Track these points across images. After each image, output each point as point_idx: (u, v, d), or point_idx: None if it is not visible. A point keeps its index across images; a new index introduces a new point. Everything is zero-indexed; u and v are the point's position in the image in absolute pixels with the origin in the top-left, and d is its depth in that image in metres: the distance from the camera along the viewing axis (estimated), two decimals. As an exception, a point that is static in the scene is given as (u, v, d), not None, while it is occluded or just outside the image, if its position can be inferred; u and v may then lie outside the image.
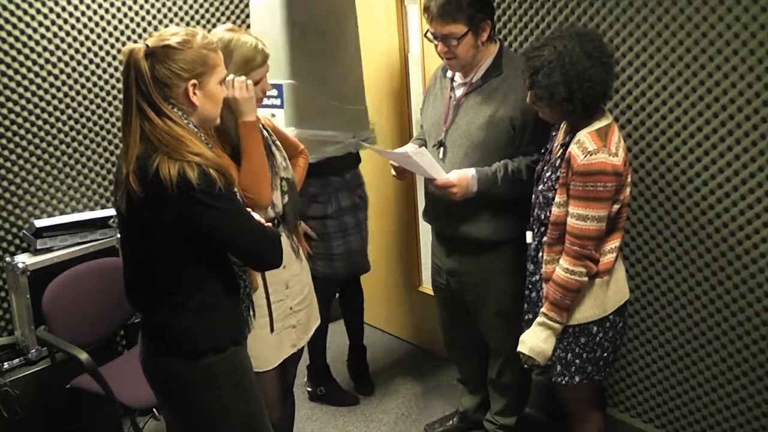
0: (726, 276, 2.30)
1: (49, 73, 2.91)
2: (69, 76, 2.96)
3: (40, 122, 2.91)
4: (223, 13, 3.35)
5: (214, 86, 1.75)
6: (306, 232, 2.76)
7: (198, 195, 1.61)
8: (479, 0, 2.25)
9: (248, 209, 1.81)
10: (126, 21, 3.06)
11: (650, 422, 2.67)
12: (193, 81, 1.69)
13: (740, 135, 2.15)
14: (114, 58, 3.05)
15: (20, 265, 2.75)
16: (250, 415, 1.90)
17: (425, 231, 3.29)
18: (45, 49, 2.88)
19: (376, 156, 3.03)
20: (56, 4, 2.88)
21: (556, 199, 2.04)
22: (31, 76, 2.87)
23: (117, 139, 3.10)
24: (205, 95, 1.73)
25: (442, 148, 2.43)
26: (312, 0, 2.70)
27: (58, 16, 2.89)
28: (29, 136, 2.90)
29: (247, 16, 3.42)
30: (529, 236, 2.21)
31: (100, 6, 2.98)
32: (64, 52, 2.93)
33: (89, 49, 2.99)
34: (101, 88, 3.04)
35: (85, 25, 2.96)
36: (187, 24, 3.22)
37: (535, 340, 2.08)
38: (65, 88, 2.96)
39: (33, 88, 2.88)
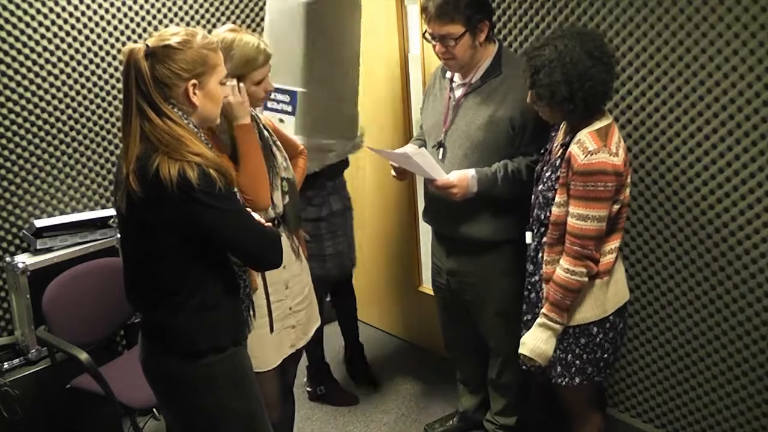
0: (726, 276, 2.30)
1: (49, 73, 2.91)
2: (69, 76, 2.96)
3: (40, 122, 2.91)
4: (228, 17, 3.35)
5: (214, 86, 1.75)
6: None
7: (198, 195, 1.62)
8: (477, 0, 2.25)
9: (248, 209, 1.81)
10: (126, 21, 3.06)
11: (650, 422, 2.67)
12: (193, 81, 1.69)
13: (740, 135, 2.15)
14: (114, 58, 3.05)
15: (20, 265, 2.75)
16: (250, 415, 1.90)
17: (425, 231, 3.29)
18: (45, 49, 2.88)
19: (376, 156, 3.03)
20: (56, 4, 2.88)
21: (557, 199, 2.04)
22: (31, 76, 2.87)
23: (117, 139, 3.10)
24: (205, 95, 1.73)
25: (441, 149, 2.43)
26: (331, 11, 2.67)
27: (58, 16, 2.89)
28: (29, 136, 2.90)
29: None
30: (528, 237, 2.21)
31: (100, 6, 2.98)
32: (64, 52, 2.93)
33: (89, 49, 2.99)
34: (101, 88, 3.04)
35: (85, 25, 2.96)
36: (188, 24, 3.22)
37: (536, 342, 2.08)
38: (65, 88, 2.96)
39: (33, 88, 2.88)
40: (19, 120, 2.86)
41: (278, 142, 2.25)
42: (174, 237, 1.69)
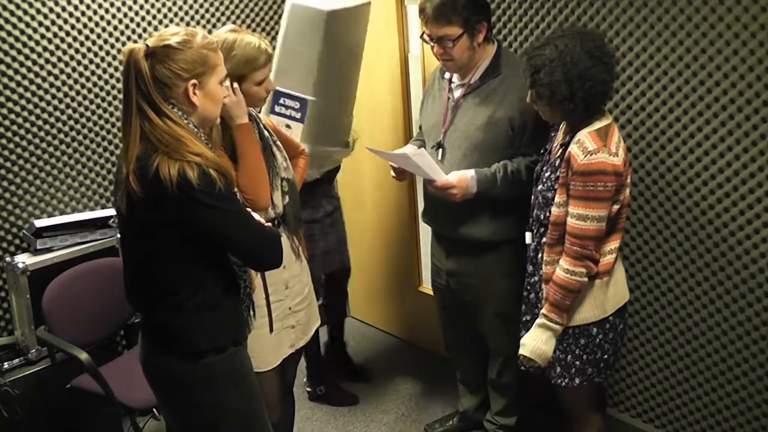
0: (726, 276, 2.30)
1: (49, 73, 2.91)
2: (69, 76, 2.96)
3: (40, 122, 2.91)
4: (228, 17, 3.35)
5: (214, 86, 1.75)
6: None
7: (198, 195, 1.61)
8: (474, 1, 2.24)
9: (248, 209, 1.81)
10: (126, 21, 3.06)
11: (650, 422, 2.67)
12: (193, 81, 1.69)
13: (740, 135, 2.15)
14: (114, 58, 3.04)
15: (20, 265, 2.74)
16: (250, 415, 1.90)
17: (425, 231, 3.29)
18: (45, 49, 2.88)
19: (376, 157, 3.03)
20: (56, 4, 2.87)
21: (556, 199, 2.04)
22: (31, 76, 2.87)
23: (117, 139, 3.10)
24: (205, 95, 1.73)
25: (440, 150, 2.43)
26: (350, 23, 2.67)
27: (58, 16, 2.89)
28: (29, 136, 2.90)
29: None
30: (528, 237, 2.21)
31: (100, 6, 2.98)
32: (64, 52, 2.93)
33: (89, 49, 2.99)
34: (101, 88, 3.04)
35: (85, 25, 2.96)
36: (188, 24, 3.22)
37: (536, 342, 2.07)
38: (65, 88, 2.96)
39: (33, 88, 2.88)
40: (19, 120, 2.86)
41: (278, 142, 2.25)
42: (174, 237, 1.69)
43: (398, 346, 3.72)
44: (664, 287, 2.47)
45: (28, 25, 2.82)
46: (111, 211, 3.00)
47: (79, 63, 2.97)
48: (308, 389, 3.25)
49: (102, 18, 3.00)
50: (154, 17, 3.14)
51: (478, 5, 2.27)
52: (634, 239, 2.50)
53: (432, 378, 3.36)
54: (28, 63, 2.85)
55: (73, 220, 2.91)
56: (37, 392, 2.77)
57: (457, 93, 2.40)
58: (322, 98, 2.64)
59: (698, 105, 2.22)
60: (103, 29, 3.01)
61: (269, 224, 1.91)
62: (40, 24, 2.85)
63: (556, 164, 2.07)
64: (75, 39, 2.95)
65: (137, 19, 3.09)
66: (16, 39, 2.81)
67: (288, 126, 2.64)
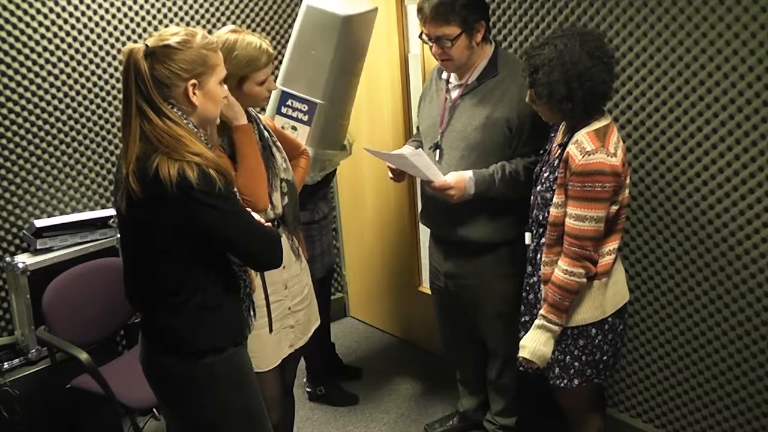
0: (726, 276, 2.29)
1: (49, 73, 2.91)
2: (69, 76, 2.96)
3: (40, 122, 2.91)
4: (228, 17, 3.35)
5: (214, 86, 1.74)
6: None
7: (197, 195, 1.61)
8: (472, 1, 2.24)
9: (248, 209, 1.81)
10: (126, 21, 3.06)
11: (650, 422, 2.67)
12: (193, 81, 1.69)
13: (740, 135, 2.15)
14: (114, 58, 3.05)
15: (20, 265, 2.74)
16: (251, 415, 1.90)
17: (425, 231, 3.28)
18: (45, 49, 2.88)
19: (376, 157, 3.03)
20: (56, 4, 2.88)
21: (554, 200, 2.04)
22: (31, 76, 2.87)
23: (117, 139, 3.10)
24: (205, 95, 1.72)
25: (438, 150, 2.42)
26: (362, 28, 2.68)
27: (58, 16, 2.89)
28: (29, 136, 2.90)
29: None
30: (527, 237, 2.21)
31: (100, 6, 2.98)
32: (64, 52, 2.93)
33: (89, 49, 2.99)
34: (101, 88, 3.04)
35: (85, 25, 2.96)
36: (188, 24, 3.22)
37: (536, 344, 2.07)
38: (65, 88, 2.96)
39: (33, 88, 2.88)
40: (19, 120, 2.86)
41: (278, 143, 2.25)
42: (174, 237, 1.69)
43: (398, 346, 3.72)
44: (664, 287, 2.47)
45: (28, 25, 2.83)
46: (111, 211, 3.00)
47: (79, 63, 2.97)
48: (308, 389, 3.26)
49: (102, 18, 3.00)
50: (154, 17, 3.14)
51: (476, 5, 2.26)
52: (634, 239, 2.50)
53: (432, 378, 3.36)
54: (28, 63, 2.85)
55: (73, 220, 2.91)
56: (37, 392, 2.77)
57: (455, 93, 2.40)
58: (330, 102, 2.65)
59: (698, 105, 2.22)
60: (103, 29, 3.01)
61: (269, 224, 1.91)
62: (40, 24, 2.85)
63: (555, 164, 2.06)
64: (75, 39, 2.95)
65: (137, 19, 3.09)
66: (16, 39, 2.81)
67: (294, 128, 2.64)
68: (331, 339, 3.39)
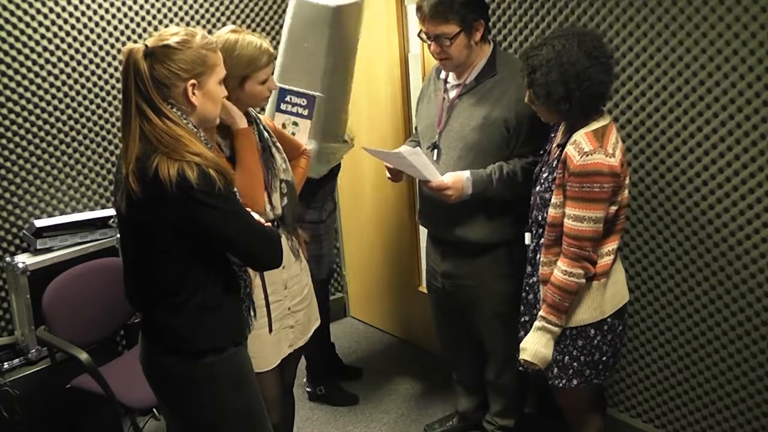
0: (726, 276, 2.29)
1: (49, 73, 2.91)
2: (69, 76, 2.96)
3: (40, 122, 2.91)
4: (228, 17, 3.35)
5: (214, 86, 1.74)
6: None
7: (197, 195, 1.61)
8: (471, 0, 2.24)
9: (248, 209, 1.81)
10: (126, 21, 3.06)
11: (650, 422, 2.67)
12: (193, 81, 1.69)
13: (740, 135, 2.15)
14: (114, 58, 3.05)
15: (20, 265, 2.75)
16: (251, 415, 1.90)
17: (425, 231, 3.29)
18: (45, 49, 2.88)
19: (375, 158, 3.03)
20: (56, 4, 2.88)
21: (553, 200, 2.03)
22: (31, 76, 2.87)
23: (117, 139, 3.10)
24: (205, 95, 1.73)
25: (436, 150, 2.42)
26: (353, 18, 2.69)
27: (58, 16, 2.89)
28: (29, 136, 2.90)
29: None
30: (527, 238, 2.20)
31: (100, 6, 2.98)
32: (64, 52, 2.93)
33: (89, 49, 2.99)
34: (101, 88, 3.05)
35: (85, 25, 2.96)
36: (188, 24, 3.22)
37: (536, 346, 2.07)
38: (65, 88, 2.96)
39: (33, 88, 2.88)
40: (19, 120, 2.86)
41: (278, 144, 2.24)
42: (174, 237, 1.69)
43: (398, 346, 3.72)
44: (664, 287, 2.47)
45: (28, 25, 2.83)
46: (111, 211, 3.00)
47: (79, 63, 2.97)
48: (308, 389, 3.26)
49: (102, 18, 3.00)
50: (154, 17, 3.14)
51: (475, 4, 2.26)
52: (634, 239, 2.50)
53: (432, 378, 3.36)
54: (28, 63, 2.85)
55: (73, 220, 2.91)
56: (37, 392, 2.78)
57: (453, 93, 2.40)
58: (328, 94, 2.66)
59: (698, 105, 2.22)
60: (103, 29, 3.01)
61: (269, 224, 1.91)
62: (40, 24, 2.85)
63: (554, 165, 2.06)
64: (75, 39, 2.95)
65: (137, 19, 3.09)
66: (16, 39, 2.81)
67: (295, 123, 2.64)
68: (331, 339, 3.39)
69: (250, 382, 1.91)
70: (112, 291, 2.66)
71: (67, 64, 2.94)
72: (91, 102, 3.03)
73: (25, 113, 2.87)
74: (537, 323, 2.07)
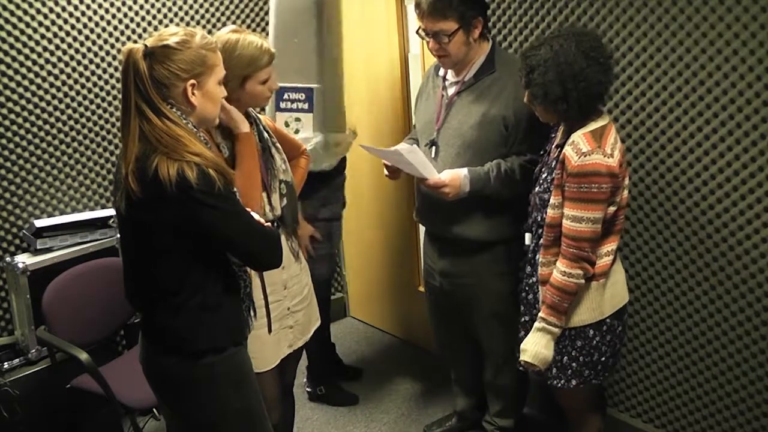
0: (726, 276, 2.29)
1: (49, 73, 2.91)
2: (69, 76, 2.96)
3: (40, 122, 2.91)
4: (228, 17, 3.35)
5: (213, 86, 1.74)
6: (312, 235, 2.80)
7: (197, 194, 1.61)
8: None
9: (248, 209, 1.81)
10: (126, 21, 3.06)
11: (650, 422, 2.67)
12: (192, 81, 1.69)
13: (740, 135, 2.15)
14: (114, 58, 3.05)
15: (20, 265, 2.75)
16: (251, 415, 1.90)
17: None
18: (45, 49, 2.88)
19: (374, 156, 3.03)
20: (56, 4, 2.88)
21: (551, 201, 2.03)
22: (31, 76, 2.87)
23: (117, 139, 3.10)
24: (204, 95, 1.73)
25: (434, 147, 2.42)
26: (333, 6, 2.71)
27: (58, 16, 2.89)
28: (29, 136, 2.90)
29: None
30: (527, 238, 2.20)
31: (100, 6, 2.99)
32: (64, 52, 2.93)
33: (89, 49, 2.99)
34: (101, 88, 3.05)
35: (85, 25, 2.96)
36: (188, 24, 3.22)
37: (537, 347, 2.07)
38: (65, 88, 2.96)
39: (33, 88, 2.88)
40: (19, 120, 2.86)
41: (278, 144, 2.24)
42: (173, 237, 1.69)
43: (398, 346, 3.72)
44: (664, 287, 2.47)
45: (28, 25, 2.83)
46: (111, 211, 3.00)
47: (79, 63, 2.97)
48: (308, 389, 3.26)
49: (102, 18, 3.00)
50: (154, 17, 3.14)
51: (474, 0, 2.25)
52: (633, 239, 2.50)
53: (432, 378, 3.36)
54: (28, 63, 2.85)
55: (73, 220, 2.91)
56: (37, 392, 2.78)
57: (451, 90, 2.39)
58: (324, 84, 2.67)
59: (698, 105, 2.22)
60: (103, 29, 3.01)
61: (269, 224, 1.91)
62: (40, 24, 2.85)
63: (553, 166, 2.06)
64: (75, 39, 2.95)
65: (137, 19, 3.09)
66: (16, 39, 2.81)
67: (298, 119, 2.64)
68: (331, 339, 3.39)
69: (250, 382, 1.91)
70: (112, 291, 2.66)
71: (67, 64, 2.94)
72: (91, 102, 3.03)
73: (25, 113, 2.87)
74: (537, 324, 2.07)
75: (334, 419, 3.12)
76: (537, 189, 2.13)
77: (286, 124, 2.70)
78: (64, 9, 2.90)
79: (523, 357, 2.09)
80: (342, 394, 3.25)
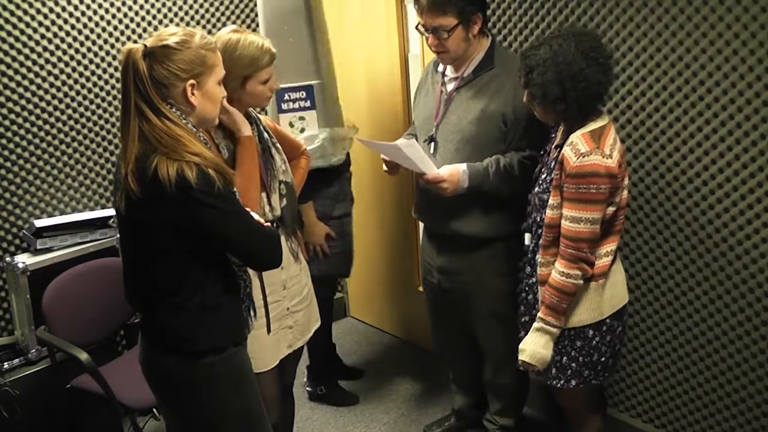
0: (726, 276, 2.29)
1: (49, 73, 2.91)
2: (69, 76, 2.96)
3: (40, 122, 2.92)
4: (228, 17, 3.34)
5: (213, 86, 1.74)
6: (328, 233, 2.80)
7: (197, 194, 1.61)
8: None
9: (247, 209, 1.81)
10: (126, 21, 3.07)
11: (650, 422, 2.67)
12: (192, 81, 1.69)
13: (740, 135, 2.15)
14: (114, 58, 3.05)
15: (20, 265, 2.75)
16: (250, 415, 1.90)
17: (425, 231, 3.29)
18: (45, 49, 2.88)
19: (374, 154, 3.03)
20: (56, 4, 2.88)
21: (550, 201, 2.03)
22: (31, 76, 2.87)
23: (117, 139, 3.10)
24: (204, 95, 1.73)
25: (433, 143, 2.41)
26: (318, 3, 2.73)
27: (58, 16, 2.89)
28: (29, 136, 2.90)
29: (253, 20, 3.43)
30: (527, 238, 2.20)
31: (100, 6, 2.99)
32: (64, 52, 2.93)
33: (89, 49, 2.99)
34: (101, 88, 3.05)
35: (85, 25, 2.96)
36: (188, 24, 3.22)
37: (535, 347, 2.07)
38: (65, 88, 2.96)
39: (33, 88, 2.88)
40: (19, 120, 2.86)
41: (278, 144, 2.24)
42: (173, 237, 1.69)
43: (398, 346, 3.72)
44: (664, 287, 2.47)
45: (28, 25, 2.83)
46: (111, 211, 3.01)
47: (79, 63, 2.97)
48: (308, 389, 3.26)
49: (102, 18, 3.00)
50: (154, 17, 3.14)
51: None
52: (633, 239, 2.50)
53: (432, 378, 3.36)
54: (28, 63, 2.85)
55: (73, 220, 2.91)
56: (37, 392, 2.78)
57: (450, 86, 2.39)
58: (323, 79, 2.69)
59: (698, 105, 2.22)
60: (103, 29, 3.01)
61: (268, 224, 1.91)
62: (40, 24, 2.86)
63: (552, 166, 2.06)
64: (75, 39, 2.95)
65: (137, 19, 3.09)
66: (16, 39, 2.81)
67: (302, 118, 2.65)
68: (332, 339, 3.39)
69: (250, 382, 1.91)
70: (112, 291, 2.66)
71: (67, 64, 2.94)
72: (91, 102, 3.03)
73: (25, 113, 2.88)
74: (536, 324, 2.07)
75: (334, 419, 3.12)
76: (536, 189, 2.13)
77: (291, 125, 2.70)
78: (64, 9, 2.90)
79: (522, 357, 2.09)
80: (342, 394, 3.25)
